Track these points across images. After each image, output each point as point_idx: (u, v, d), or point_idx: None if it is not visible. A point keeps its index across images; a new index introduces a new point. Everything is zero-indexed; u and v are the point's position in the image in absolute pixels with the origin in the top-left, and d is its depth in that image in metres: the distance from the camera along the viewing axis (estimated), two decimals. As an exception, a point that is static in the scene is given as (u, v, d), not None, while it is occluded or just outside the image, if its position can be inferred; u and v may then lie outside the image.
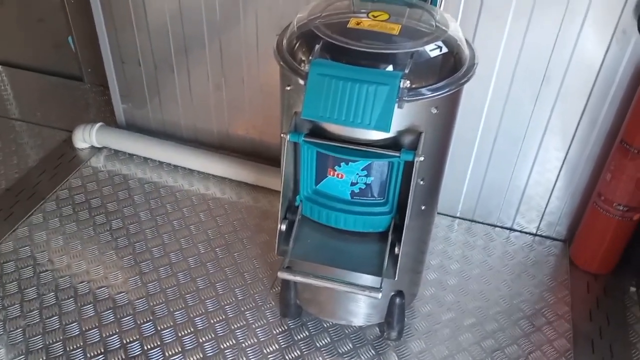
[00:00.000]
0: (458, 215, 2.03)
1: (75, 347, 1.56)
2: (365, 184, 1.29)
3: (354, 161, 1.24)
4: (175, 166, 2.22)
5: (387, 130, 1.11)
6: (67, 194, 2.08)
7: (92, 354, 1.54)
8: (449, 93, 1.19)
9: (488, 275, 1.83)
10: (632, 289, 1.79)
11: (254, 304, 1.71)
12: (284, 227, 1.35)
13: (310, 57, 1.16)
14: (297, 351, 1.59)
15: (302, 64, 1.21)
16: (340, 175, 1.28)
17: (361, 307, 1.58)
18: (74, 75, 2.71)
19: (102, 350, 1.55)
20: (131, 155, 2.26)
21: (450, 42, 1.23)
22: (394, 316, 1.56)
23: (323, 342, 1.61)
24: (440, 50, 1.19)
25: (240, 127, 2.20)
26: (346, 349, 1.60)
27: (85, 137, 2.25)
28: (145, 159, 2.25)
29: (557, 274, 1.84)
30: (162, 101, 2.25)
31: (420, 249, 1.58)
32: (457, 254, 1.91)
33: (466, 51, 1.27)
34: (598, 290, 1.79)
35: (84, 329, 1.61)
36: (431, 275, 1.82)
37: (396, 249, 1.29)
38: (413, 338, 1.63)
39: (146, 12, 2.04)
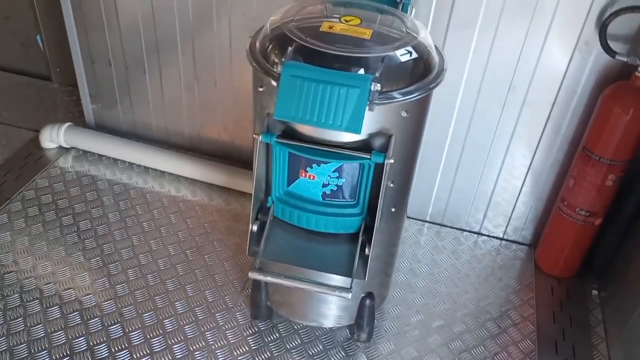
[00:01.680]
0: (428, 219, 2.06)
1: (40, 349, 1.53)
2: (336, 185, 1.30)
3: (325, 163, 1.26)
4: (146, 167, 2.20)
5: (358, 132, 1.12)
6: (33, 194, 2.04)
7: (57, 356, 1.52)
8: (418, 97, 1.21)
9: (456, 279, 1.87)
10: (594, 292, 1.84)
11: (224, 306, 1.71)
12: (255, 228, 1.35)
13: (282, 59, 1.17)
14: (268, 353, 1.59)
15: (275, 66, 1.22)
16: (312, 177, 1.30)
17: (331, 309, 1.59)
18: (42, 74, 2.67)
19: (68, 353, 1.53)
20: (100, 156, 2.23)
21: (420, 48, 1.26)
22: (364, 318, 1.57)
23: (293, 343, 1.62)
24: (411, 55, 1.22)
25: (212, 130, 2.20)
26: (316, 351, 1.60)
27: (53, 137, 2.21)
28: (115, 160, 2.22)
29: (523, 277, 1.89)
30: (132, 102, 2.23)
31: (390, 251, 1.60)
32: (427, 257, 1.94)
33: (436, 57, 1.30)
34: (561, 293, 1.84)
35: (49, 330, 1.58)
36: (401, 278, 1.84)
37: (366, 250, 1.31)
38: (383, 340, 1.65)
39: (117, 11, 2.02)
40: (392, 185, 1.34)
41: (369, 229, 1.32)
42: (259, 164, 1.31)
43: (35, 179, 2.11)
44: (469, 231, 2.04)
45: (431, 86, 1.24)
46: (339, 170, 1.28)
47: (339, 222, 1.34)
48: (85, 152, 2.24)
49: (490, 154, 1.85)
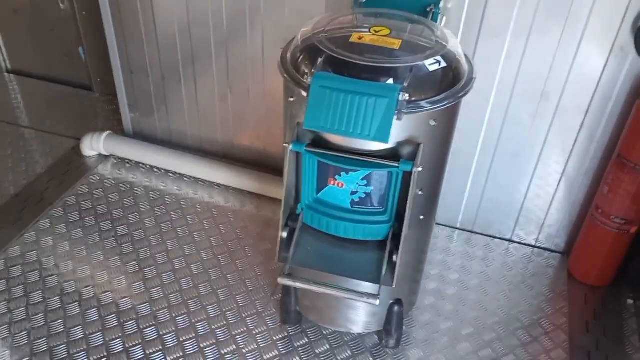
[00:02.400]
0: (458, 226, 2.06)
1: (78, 350, 1.59)
2: (365, 193, 1.32)
3: (354, 171, 1.28)
4: (181, 174, 2.26)
5: (386, 141, 1.14)
6: (74, 200, 2.12)
7: (95, 357, 1.58)
8: (447, 106, 1.22)
9: (487, 286, 1.86)
10: (630, 301, 1.81)
11: (255, 311, 1.74)
12: (285, 235, 1.38)
13: (312, 70, 1.20)
14: (297, 357, 1.61)
15: (305, 77, 1.25)
16: (340, 185, 1.32)
17: (360, 315, 1.61)
18: (83, 84, 2.77)
19: (105, 354, 1.58)
20: (137, 164, 2.30)
21: (449, 57, 1.27)
22: (393, 324, 1.58)
23: (322, 348, 1.64)
24: (439, 65, 1.23)
25: (244, 138, 2.24)
26: (345, 356, 1.62)
27: (93, 145, 2.29)
28: (151, 167, 2.29)
29: (555, 286, 1.86)
30: (169, 111, 2.30)
31: (419, 258, 1.61)
32: (457, 264, 1.93)
33: (465, 66, 1.31)
34: (596, 302, 1.81)
35: (87, 332, 1.64)
36: (430, 285, 1.85)
37: (394, 257, 1.32)
38: (411, 346, 1.66)
39: (156, 24, 2.09)
40: (420, 193, 1.35)
41: (397, 236, 1.34)
42: (289, 172, 1.33)
43: (76, 185, 2.19)
44: (501, 238, 2.03)
45: (459, 95, 1.25)
46: (367, 178, 1.29)
47: (367, 229, 1.36)
48: (123, 159, 2.32)
49: (522, 161, 1.84)
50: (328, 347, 1.64)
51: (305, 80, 1.23)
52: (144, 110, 2.34)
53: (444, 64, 1.24)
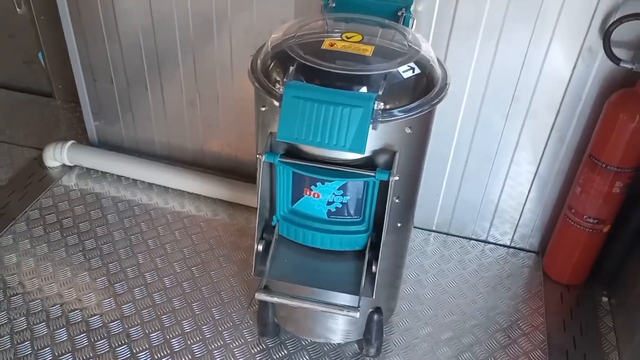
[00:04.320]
0: (434, 228, 2.05)
1: (47, 373, 1.53)
2: (341, 203, 1.29)
3: (329, 181, 1.25)
4: (150, 184, 2.19)
5: (362, 151, 1.11)
6: (37, 214, 2.04)
7: (65, 380, 1.51)
8: (422, 113, 1.20)
9: (464, 288, 1.85)
10: (604, 299, 1.83)
11: (231, 324, 1.70)
12: (260, 248, 1.34)
13: (284, 79, 1.16)
14: (276, 370, 1.58)
15: (277, 85, 1.21)
16: (316, 195, 1.29)
17: (339, 325, 1.58)
18: (44, 91, 2.67)
19: (76, 376, 1.52)
20: (104, 174, 2.23)
21: (422, 63, 1.24)
22: (373, 333, 1.56)
23: (302, 360, 1.61)
24: (413, 72, 1.21)
25: (215, 144, 2.19)
26: (325, 367, 1.60)
27: (56, 156, 2.21)
28: (119, 176, 2.22)
29: (531, 286, 1.87)
30: (135, 118, 2.23)
31: (397, 264, 1.59)
32: (434, 267, 1.92)
33: (438, 71, 1.29)
34: (571, 301, 1.83)
35: (56, 353, 1.57)
36: (408, 290, 1.83)
37: (373, 267, 1.30)
38: (392, 354, 1.64)
39: (118, 28, 2.02)
40: (397, 200, 1.33)
41: (375, 246, 1.31)
42: (262, 183, 1.30)
43: (40, 198, 2.11)
44: (476, 239, 2.03)
45: (434, 102, 1.23)
46: (343, 188, 1.27)
47: (345, 240, 1.33)
48: (88, 169, 2.24)
49: (495, 163, 1.84)
50: (307, 358, 1.61)
51: (277, 90, 1.20)
52: (109, 117, 2.26)
53: (417, 71, 1.22)
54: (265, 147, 1.24)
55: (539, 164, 1.81)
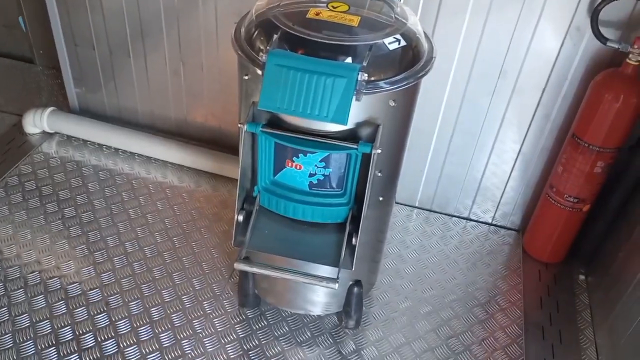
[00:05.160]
0: (417, 205, 2.05)
1: (25, 339, 1.52)
2: (323, 175, 1.28)
3: (312, 152, 1.24)
4: (132, 153, 2.16)
5: (344, 122, 1.10)
6: (16, 180, 2.00)
7: (42, 346, 1.51)
8: (407, 86, 1.19)
9: (444, 264, 1.87)
10: (581, 277, 1.85)
11: (212, 294, 1.70)
12: (241, 218, 1.33)
13: (268, 47, 1.14)
14: (256, 340, 1.58)
15: (260, 54, 1.19)
16: (298, 166, 1.28)
17: (319, 297, 1.59)
18: (25, 56, 2.61)
19: (54, 342, 1.52)
20: (85, 142, 2.20)
21: (409, 35, 1.23)
22: (352, 305, 1.57)
23: (281, 331, 1.61)
24: (399, 44, 1.19)
25: (199, 114, 2.17)
26: (304, 338, 1.60)
27: (36, 122, 2.17)
28: (100, 145, 2.19)
29: (511, 263, 1.89)
30: (117, 86, 2.19)
31: (378, 238, 1.59)
32: (415, 243, 1.93)
33: (425, 44, 1.28)
34: (549, 279, 1.85)
35: (34, 320, 1.56)
36: (389, 264, 1.84)
37: (353, 240, 1.30)
38: (371, 326, 1.65)
39: (101, -7, 1.97)
40: (379, 174, 1.32)
41: (356, 219, 1.31)
42: (244, 154, 1.28)
43: (19, 165, 2.07)
44: (458, 217, 2.04)
45: (419, 75, 1.22)
46: (325, 160, 1.26)
47: (326, 212, 1.33)
48: (69, 137, 2.21)
49: (480, 139, 1.84)
50: (287, 329, 1.62)
51: (260, 58, 1.17)
52: (90, 85, 2.22)
53: (403, 43, 1.20)
54: (248, 117, 1.23)
55: (522, 142, 1.81)
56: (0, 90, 2.44)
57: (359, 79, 1.09)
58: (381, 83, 1.17)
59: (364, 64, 1.11)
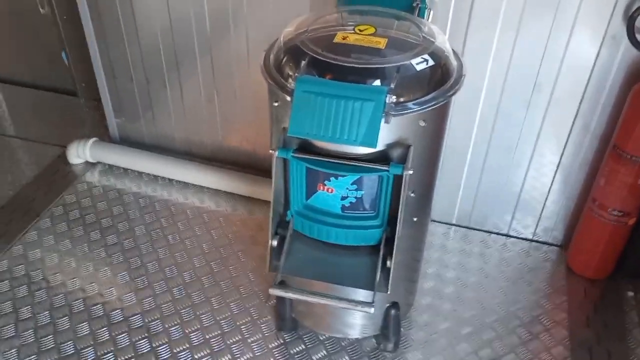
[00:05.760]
0: (454, 222, 2.02)
1: (70, 366, 1.56)
2: (355, 197, 1.28)
3: (343, 176, 1.24)
4: (170, 179, 2.21)
5: (373, 145, 1.10)
6: (61, 210, 2.07)
7: (87, 373, 1.54)
8: (436, 106, 1.18)
9: (485, 283, 1.82)
10: (630, 293, 1.78)
11: (249, 318, 1.70)
12: (275, 243, 1.34)
13: (296, 74, 1.16)
14: (293, 365, 1.58)
15: (289, 79, 1.20)
16: (330, 190, 1.28)
17: (357, 319, 1.58)
18: (68, 90, 2.71)
19: (98, 369, 1.55)
20: (125, 170, 2.26)
21: (437, 54, 1.22)
22: (390, 328, 1.55)
23: (319, 355, 1.60)
24: (427, 63, 1.18)
25: (233, 139, 2.20)
26: (342, 362, 1.59)
27: (80, 153, 2.25)
28: (140, 173, 2.24)
29: (554, 280, 1.83)
30: (155, 115, 2.25)
31: (414, 257, 1.58)
32: (453, 261, 1.90)
33: (454, 63, 1.27)
34: (595, 296, 1.78)
35: (78, 347, 1.60)
36: (427, 284, 1.81)
37: (388, 262, 1.29)
38: (410, 349, 1.63)
39: (137, 26, 2.04)
40: (412, 195, 1.31)
41: (390, 240, 1.30)
42: (276, 179, 1.29)
43: (64, 195, 2.15)
44: (497, 233, 2.00)
45: (449, 94, 1.21)
46: (357, 182, 1.25)
47: (359, 235, 1.32)
48: (111, 166, 2.27)
49: (517, 154, 1.80)
50: (325, 353, 1.61)
51: (288, 85, 1.19)
52: (129, 115, 2.29)
53: (431, 62, 1.19)
54: (279, 143, 1.24)
55: (562, 155, 1.76)
56: (45, 123, 2.54)
57: (387, 101, 1.09)
58: (410, 104, 1.16)
59: (392, 86, 1.11)
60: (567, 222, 1.88)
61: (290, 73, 1.22)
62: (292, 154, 1.22)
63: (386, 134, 1.19)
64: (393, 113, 1.12)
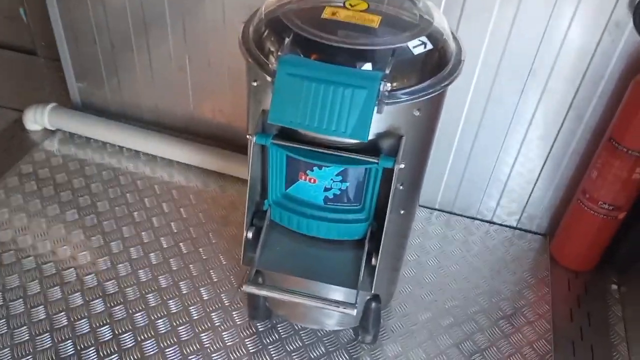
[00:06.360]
0: (437, 207, 1.94)
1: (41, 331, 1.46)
2: (340, 189, 1.18)
3: (327, 166, 1.13)
4: (137, 151, 2.07)
5: (364, 139, 0.99)
6: (16, 181, 1.92)
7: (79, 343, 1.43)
8: (434, 94, 1.07)
9: (467, 272, 1.76)
10: (614, 286, 1.74)
11: (220, 305, 1.61)
12: (250, 235, 1.23)
13: (279, 53, 1.03)
14: (267, 356, 1.49)
15: (271, 57, 1.07)
16: (312, 180, 1.17)
17: (334, 312, 1.49)
18: (26, 48, 2.51)
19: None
20: (88, 139, 2.10)
21: (435, 37, 1.10)
22: (370, 320, 1.47)
23: (294, 345, 1.52)
24: (425, 47, 1.07)
25: (206, 110, 2.06)
26: (318, 353, 1.51)
27: (37, 119, 2.08)
28: (104, 143, 2.09)
29: (538, 271, 1.78)
30: (120, 81, 2.08)
31: (400, 245, 1.49)
32: (435, 249, 1.83)
33: (452, 46, 1.15)
34: (579, 288, 1.74)
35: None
36: (408, 272, 1.74)
37: (373, 260, 1.20)
38: (389, 341, 1.56)
39: (101, -16, 1.86)
40: (401, 187, 1.21)
41: (375, 235, 1.20)
42: (253, 165, 1.18)
43: (19, 164, 1.98)
44: (481, 220, 1.93)
45: (447, 82, 1.10)
46: (342, 173, 1.15)
47: (343, 228, 1.22)
48: (72, 134, 2.11)
49: (507, 140, 1.71)
50: (300, 344, 1.53)
51: (270, 64, 1.06)
52: (92, 80, 2.12)
53: (430, 46, 1.08)
54: (257, 127, 1.12)
55: (553, 143, 1.68)
56: (1, 84, 2.34)
57: (381, 89, 0.97)
58: (405, 92, 1.05)
59: (387, 71, 1.00)
60: (554, 211, 1.82)
61: (272, 49, 1.09)
62: (272, 141, 1.11)
63: (376, 123, 1.07)
64: (387, 102, 1.01)
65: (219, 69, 1.92)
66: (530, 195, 1.82)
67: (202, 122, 2.08)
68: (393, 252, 1.45)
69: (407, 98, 1.04)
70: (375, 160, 1.08)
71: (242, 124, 2.00)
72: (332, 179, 1.16)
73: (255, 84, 1.13)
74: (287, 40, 1.05)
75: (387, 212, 1.14)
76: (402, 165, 1.08)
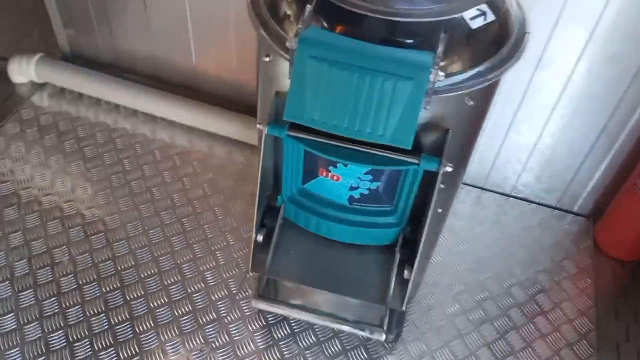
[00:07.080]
0: (467, 181, 1.73)
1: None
2: (368, 189, 0.98)
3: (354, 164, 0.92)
4: (134, 110, 1.85)
5: (408, 145, 0.78)
6: (2, 142, 1.73)
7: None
8: (494, 80, 0.84)
9: (499, 259, 1.58)
10: (664, 279, 1.56)
11: (227, 292, 1.45)
12: (260, 238, 1.04)
13: (298, 25, 0.80)
14: (277, 354, 1.34)
15: (289, 28, 0.85)
16: (335, 178, 0.97)
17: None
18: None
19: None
20: (80, 95, 1.88)
21: (495, 4, 0.86)
22: (393, 321, 1.31)
23: (308, 342, 1.37)
24: (485, 19, 0.83)
25: (210, 65, 1.82)
26: (334, 351, 1.36)
27: (23, 70, 1.86)
28: (98, 100, 1.87)
29: (580, 259, 1.59)
30: (112, 27, 1.84)
31: (435, 231, 1.28)
32: (465, 231, 1.64)
33: (514, 15, 0.91)
34: (625, 280, 1.56)
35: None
36: (435, 258, 1.56)
37: (405, 272, 1.01)
38: (411, 338, 1.40)
39: None
40: (442, 186, 1.01)
41: (409, 243, 1.01)
42: (264, 158, 0.97)
43: (5, 123, 1.79)
44: (516, 197, 1.72)
45: (510, 62, 0.86)
46: (372, 172, 0.94)
47: (370, 233, 1.03)
48: (63, 89, 1.89)
49: (556, 111, 1.48)
50: (314, 339, 1.37)
51: (288, 38, 0.83)
52: (82, 26, 1.87)
53: (491, 17, 0.84)
54: (270, 115, 0.90)
55: (610, 117, 1.45)
56: (-16, 29, 2.11)
57: (431, 79, 0.75)
58: (458, 77, 0.82)
59: (439, 52, 0.77)
60: (601, 192, 1.61)
61: (290, 17, 0.86)
62: (287, 133, 0.89)
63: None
64: (436, 93, 0.79)
65: (225, 21, 1.66)
66: (577, 172, 1.60)
67: (205, 77, 1.85)
68: (428, 238, 1.26)
69: (461, 86, 0.81)
70: (416, 161, 0.87)
71: (251, 82, 1.77)
72: (359, 178, 0.95)
73: (267, 59, 0.90)
74: (308, 8, 0.81)
75: (427, 218, 0.94)
76: (450, 169, 0.87)
